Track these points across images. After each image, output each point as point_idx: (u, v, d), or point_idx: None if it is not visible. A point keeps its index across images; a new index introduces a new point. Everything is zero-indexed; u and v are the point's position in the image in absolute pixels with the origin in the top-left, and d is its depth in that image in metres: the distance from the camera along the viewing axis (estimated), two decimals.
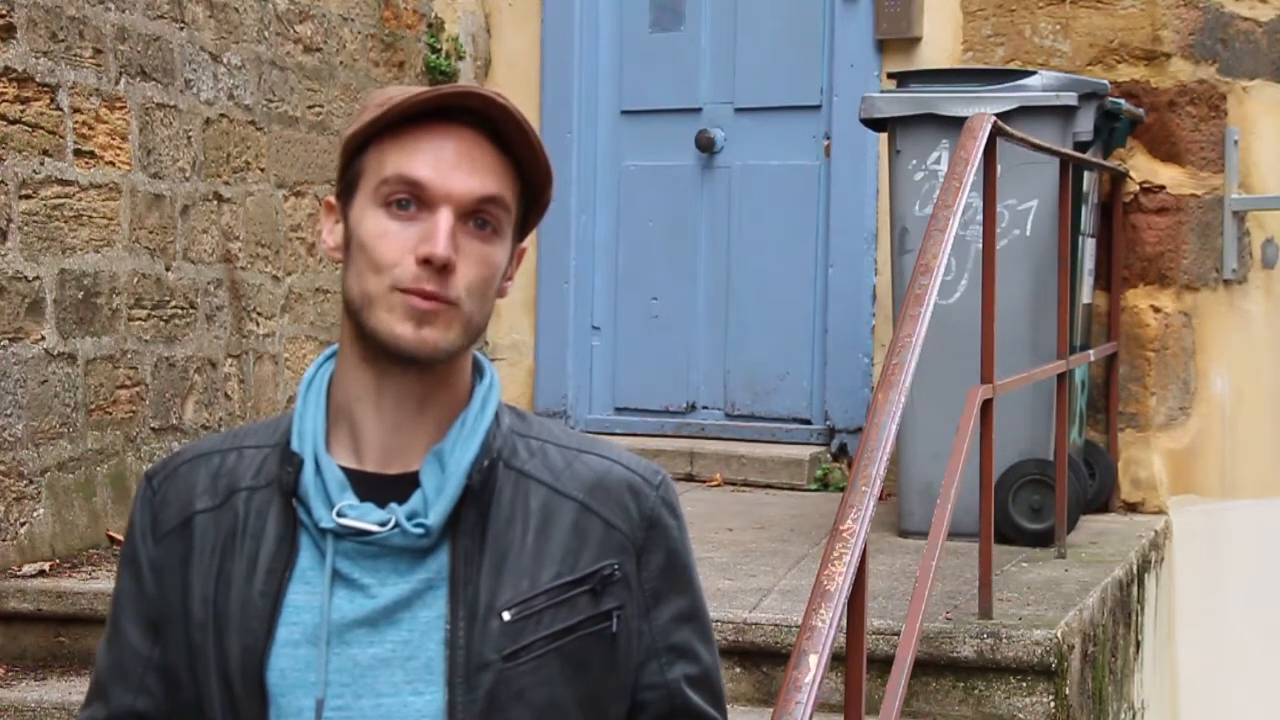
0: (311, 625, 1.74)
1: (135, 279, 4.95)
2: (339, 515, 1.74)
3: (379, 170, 1.75)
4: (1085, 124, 5.08)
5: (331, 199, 1.83)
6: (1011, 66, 5.78)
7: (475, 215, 1.74)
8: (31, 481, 4.50)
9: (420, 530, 1.74)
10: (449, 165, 1.73)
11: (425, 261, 1.71)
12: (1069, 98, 5.04)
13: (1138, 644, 4.90)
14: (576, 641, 1.77)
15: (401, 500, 1.76)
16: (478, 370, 1.84)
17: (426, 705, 1.74)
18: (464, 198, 1.73)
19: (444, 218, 1.72)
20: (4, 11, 4.43)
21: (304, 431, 1.79)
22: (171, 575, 1.81)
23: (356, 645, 1.74)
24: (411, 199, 1.73)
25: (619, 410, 6.63)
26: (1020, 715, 3.83)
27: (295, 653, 1.74)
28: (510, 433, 1.83)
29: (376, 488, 1.77)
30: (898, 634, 3.49)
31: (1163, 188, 5.75)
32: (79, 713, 1.90)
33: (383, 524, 1.74)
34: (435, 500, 1.75)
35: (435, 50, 6.62)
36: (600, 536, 1.80)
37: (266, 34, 5.61)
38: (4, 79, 4.43)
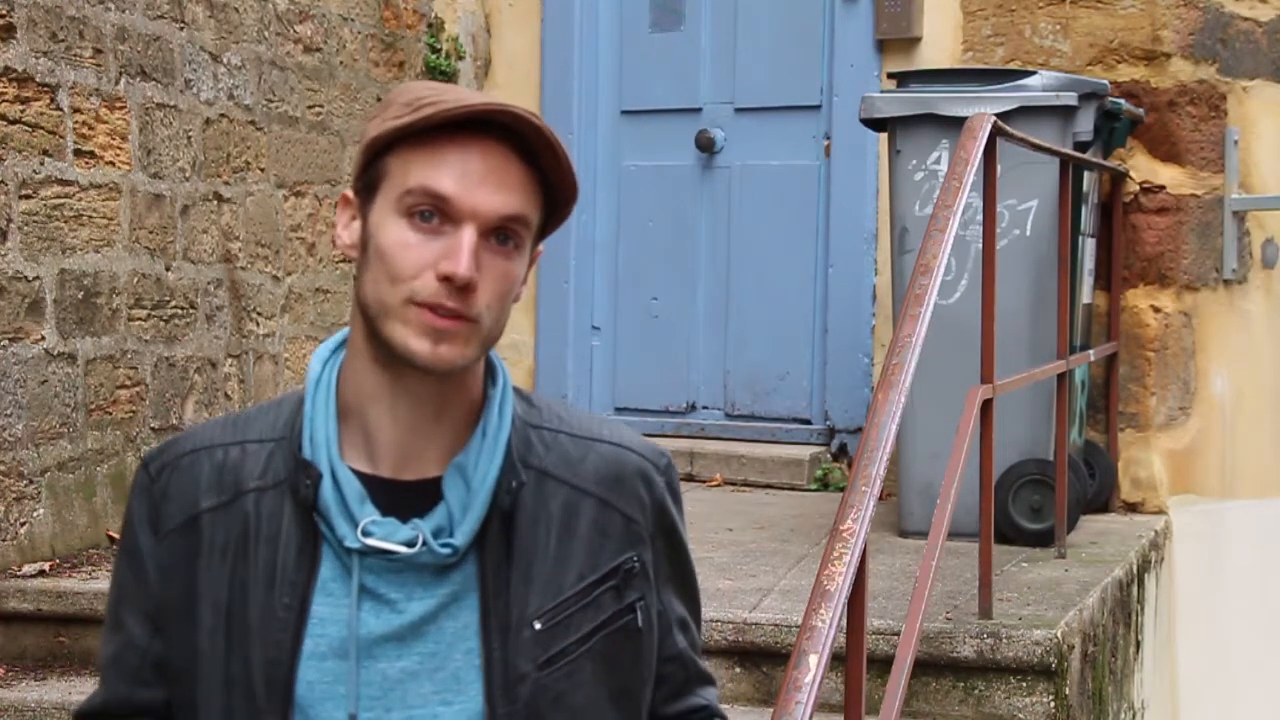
0: (337, 638, 1.74)
1: (135, 279, 4.95)
2: (364, 534, 1.73)
3: (403, 179, 1.71)
4: (1085, 124, 5.08)
5: (349, 194, 1.79)
6: (1011, 66, 5.78)
7: (498, 231, 1.72)
8: (31, 481, 4.50)
9: (448, 550, 1.73)
10: (475, 181, 1.70)
11: (446, 279, 1.68)
12: (1069, 98, 5.04)
13: (1138, 644, 4.90)
14: (605, 639, 1.78)
15: (421, 510, 1.75)
16: (489, 368, 1.82)
17: (456, 715, 1.74)
18: (489, 215, 1.70)
19: (468, 236, 1.69)
20: (4, 11, 4.43)
21: (316, 438, 1.77)
22: (176, 574, 1.79)
23: (385, 660, 1.74)
24: (435, 212, 1.70)
25: (619, 410, 6.63)
26: (1020, 715, 3.83)
27: (322, 665, 1.74)
28: (524, 425, 1.81)
29: (394, 496, 1.76)
30: (898, 634, 3.49)
31: (1163, 188, 5.75)
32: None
33: (409, 543, 1.73)
34: (462, 519, 1.74)
35: (435, 50, 6.62)
36: (620, 531, 1.81)
37: (266, 34, 5.61)
38: (4, 79, 4.43)
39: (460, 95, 1.72)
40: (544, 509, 1.78)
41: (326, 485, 1.74)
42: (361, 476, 1.76)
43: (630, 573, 1.80)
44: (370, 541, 1.72)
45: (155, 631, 1.81)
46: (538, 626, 1.75)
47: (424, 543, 1.73)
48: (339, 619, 1.74)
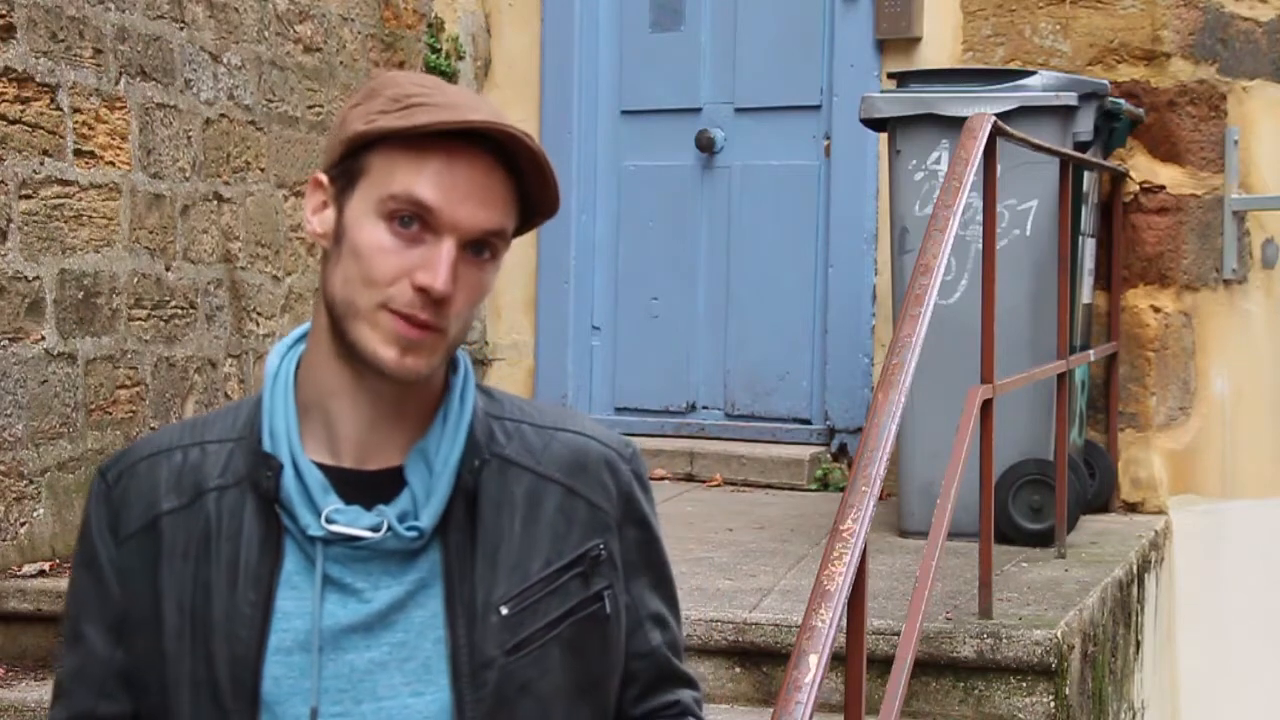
0: (303, 631, 1.72)
1: (135, 279, 4.95)
2: (328, 522, 1.72)
3: (387, 182, 1.69)
4: (1085, 124, 5.08)
5: (322, 177, 1.75)
6: (1011, 66, 5.78)
7: (476, 243, 1.71)
8: (31, 481, 4.50)
9: (414, 533, 1.72)
10: (461, 195, 1.68)
11: (422, 290, 1.67)
12: (1069, 98, 5.04)
13: (1138, 644, 4.90)
14: (573, 626, 1.76)
15: (384, 498, 1.73)
16: (451, 359, 1.81)
17: (427, 705, 1.73)
18: (470, 229, 1.69)
19: (447, 249, 1.68)
20: (4, 11, 4.43)
21: (276, 431, 1.75)
22: (138, 579, 1.77)
23: (352, 650, 1.73)
24: (415, 218, 1.68)
25: (619, 410, 6.63)
26: (1020, 715, 3.83)
27: (288, 660, 1.72)
28: (485, 416, 1.80)
29: (357, 485, 1.74)
30: (898, 634, 3.49)
31: (1163, 188, 5.75)
32: (48, 713, 1.87)
33: (374, 528, 1.72)
34: (426, 501, 1.73)
35: (435, 50, 6.62)
36: (585, 518, 1.80)
37: (266, 34, 5.61)
38: (4, 79, 4.43)
39: (451, 99, 1.69)
40: (507, 495, 1.77)
41: (288, 476, 1.73)
42: (324, 469, 1.75)
43: (597, 560, 1.79)
44: (334, 528, 1.71)
45: (118, 642, 1.78)
46: (504, 612, 1.73)
47: (389, 527, 1.71)
48: (304, 612, 1.72)
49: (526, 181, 1.73)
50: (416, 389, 1.76)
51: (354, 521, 1.72)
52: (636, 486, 1.85)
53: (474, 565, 1.74)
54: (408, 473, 1.74)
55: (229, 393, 5.38)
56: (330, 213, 1.74)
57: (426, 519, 1.73)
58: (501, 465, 1.78)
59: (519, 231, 1.79)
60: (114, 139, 4.86)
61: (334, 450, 1.76)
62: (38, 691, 4.01)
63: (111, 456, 1.85)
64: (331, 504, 1.73)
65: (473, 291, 1.72)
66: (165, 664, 1.74)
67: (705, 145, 6.52)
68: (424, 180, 1.68)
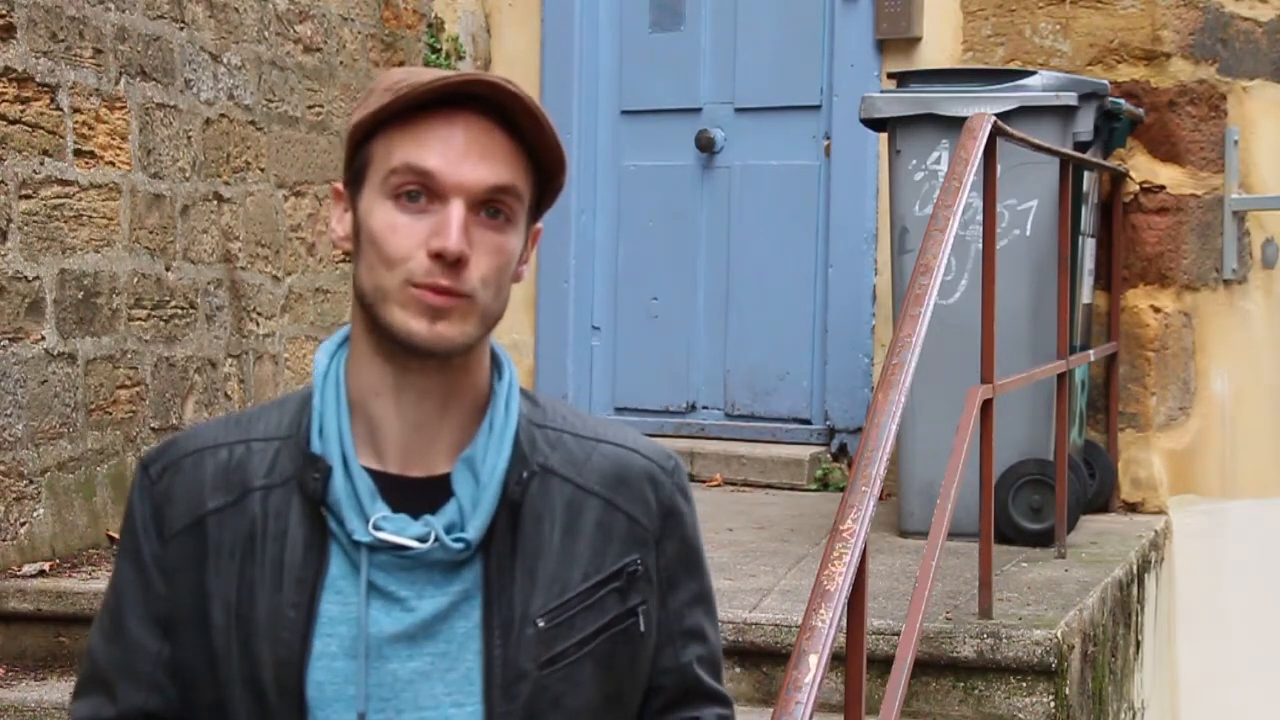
0: (349, 638, 1.71)
1: (135, 279, 4.95)
2: (375, 529, 1.70)
3: (387, 160, 1.70)
4: (1085, 124, 5.08)
5: (339, 186, 1.77)
6: (1011, 66, 5.78)
7: (487, 205, 1.70)
8: (31, 481, 4.50)
9: (461, 545, 1.71)
10: (459, 154, 1.68)
11: (437, 256, 1.66)
12: (1069, 98, 5.04)
13: (1138, 644, 4.90)
14: (606, 642, 1.76)
15: (430, 507, 1.72)
16: (495, 362, 1.80)
17: (468, 717, 1.72)
18: (475, 188, 1.68)
19: (455, 210, 1.67)
20: (4, 11, 4.42)
21: (327, 432, 1.74)
22: (184, 577, 1.76)
23: (395, 659, 1.72)
24: (421, 190, 1.68)
25: (619, 410, 6.63)
26: (1020, 715, 3.83)
27: (332, 665, 1.71)
28: (529, 425, 1.79)
29: (402, 493, 1.73)
30: (898, 634, 3.49)
31: (1163, 188, 5.75)
32: (75, 701, 1.84)
33: (421, 538, 1.70)
34: (472, 513, 1.72)
35: (435, 50, 6.62)
36: (624, 532, 1.79)
37: (266, 34, 5.61)
38: (4, 79, 4.43)
39: (438, 74, 1.70)
40: (548, 506, 1.76)
41: (338, 478, 1.72)
42: (370, 473, 1.73)
43: (634, 575, 1.78)
44: (382, 536, 1.70)
45: (164, 636, 1.77)
46: (541, 625, 1.72)
47: (436, 538, 1.71)
48: (349, 618, 1.71)
49: (526, 135, 1.72)
50: (459, 387, 1.75)
51: (402, 530, 1.71)
52: (680, 501, 1.84)
53: (514, 577, 1.73)
54: (455, 483, 1.73)
55: (229, 393, 5.38)
56: (349, 216, 1.76)
57: (473, 531, 1.72)
58: (544, 476, 1.77)
59: (541, 205, 1.79)
60: (114, 139, 4.86)
61: (378, 454, 1.75)
62: (38, 691, 4.01)
63: (154, 449, 1.83)
64: (379, 511, 1.71)
65: (494, 256, 1.70)
66: (216, 661, 1.73)
67: (705, 145, 6.52)
68: (421, 148, 1.69)
